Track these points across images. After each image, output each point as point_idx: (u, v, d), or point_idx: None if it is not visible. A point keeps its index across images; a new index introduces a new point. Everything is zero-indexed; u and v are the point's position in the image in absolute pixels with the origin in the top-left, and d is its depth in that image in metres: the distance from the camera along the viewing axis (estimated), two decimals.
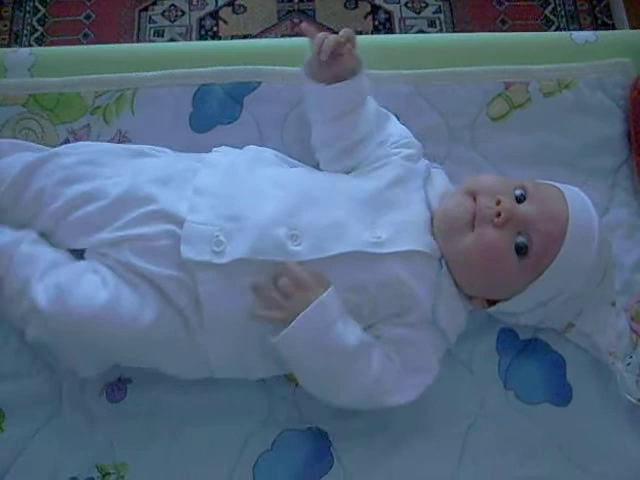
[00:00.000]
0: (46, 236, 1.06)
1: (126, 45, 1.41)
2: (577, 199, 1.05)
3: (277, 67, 1.22)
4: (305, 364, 0.98)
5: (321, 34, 1.07)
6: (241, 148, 1.16)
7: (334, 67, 1.07)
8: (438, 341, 1.05)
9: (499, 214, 1.00)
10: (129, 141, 1.20)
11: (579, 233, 1.02)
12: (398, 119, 1.19)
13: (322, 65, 1.07)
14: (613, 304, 1.12)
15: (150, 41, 2.04)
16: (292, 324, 0.94)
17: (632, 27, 2.03)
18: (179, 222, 1.00)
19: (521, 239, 1.01)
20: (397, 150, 1.12)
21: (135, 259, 0.99)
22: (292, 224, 1.01)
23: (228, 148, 1.14)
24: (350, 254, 1.00)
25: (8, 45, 2.02)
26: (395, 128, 1.16)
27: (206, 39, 2.06)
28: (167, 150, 1.15)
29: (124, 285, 0.99)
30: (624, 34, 1.56)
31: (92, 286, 0.98)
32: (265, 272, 0.98)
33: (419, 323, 1.03)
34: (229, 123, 1.21)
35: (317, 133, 1.14)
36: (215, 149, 1.14)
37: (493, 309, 1.08)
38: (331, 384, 0.99)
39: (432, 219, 1.06)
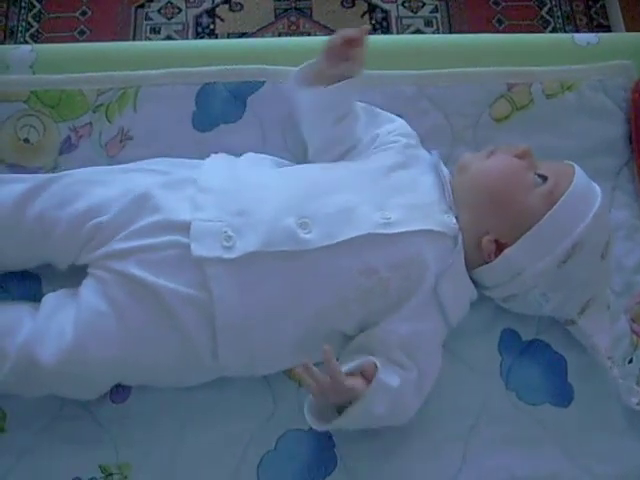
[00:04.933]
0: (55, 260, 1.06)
1: (129, 43, 1.40)
2: (581, 172, 1.09)
3: (281, 67, 1.21)
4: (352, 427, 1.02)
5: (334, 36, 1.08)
6: (244, 147, 1.17)
7: (340, 68, 1.08)
8: (441, 327, 1.06)
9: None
10: (131, 139, 1.19)
11: (583, 185, 1.07)
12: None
13: (330, 65, 1.08)
14: (608, 307, 1.13)
15: (147, 38, 2.03)
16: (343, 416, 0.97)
17: (628, 28, 2.04)
18: (184, 229, 0.99)
19: (540, 172, 1.06)
20: (396, 138, 1.13)
21: (141, 272, 0.98)
22: (301, 212, 1.01)
23: (225, 155, 1.15)
24: (361, 237, 1.01)
25: (3, 41, 2.00)
26: (389, 120, 1.17)
27: (203, 37, 2.06)
28: (165, 160, 1.14)
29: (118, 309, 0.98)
30: (626, 36, 1.57)
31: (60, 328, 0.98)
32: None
33: (424, 306, 1.03)
34: (232, 122, 1.21)
35: (315, 142, 1.15)
36: (213, 155, 1.14)
37: (499, 259, 1.05)
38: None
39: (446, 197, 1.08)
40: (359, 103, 1.17)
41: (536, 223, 1.03)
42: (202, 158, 1.13)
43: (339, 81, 1.09)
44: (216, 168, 1.09)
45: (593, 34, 1.34)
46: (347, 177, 1.07)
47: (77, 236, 1.02)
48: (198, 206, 1.01)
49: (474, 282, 1.10)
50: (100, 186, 1.05)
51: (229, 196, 1.03)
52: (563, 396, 1.11)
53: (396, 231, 1.02)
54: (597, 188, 1.08)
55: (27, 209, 1.03)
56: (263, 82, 1.22)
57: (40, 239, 1.03)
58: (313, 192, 1.04)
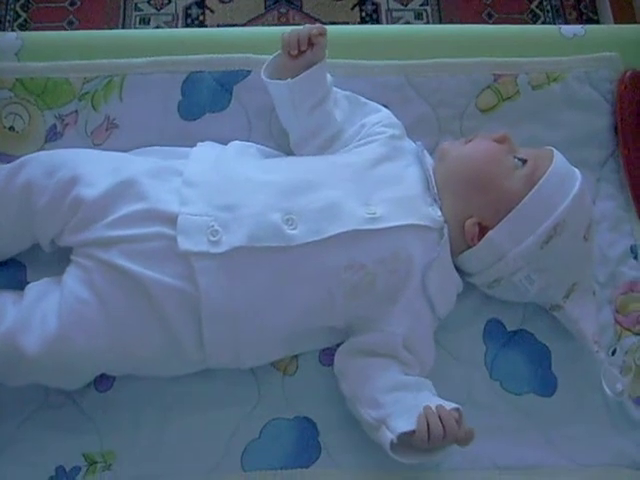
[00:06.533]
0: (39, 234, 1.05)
1: (115, 31, 1.40)
2: (560, 155, 1.10)
3: (267, 56, 1.20)
4: None
5: (289, 32, 1.09)
6: (230, 136, 1.17)
7: (302, 60, 1.09)
8: (432, 320, 1.07)
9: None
10: (117, 128, 1.19)
11: (563, 167, 1.08)
12: (388, 109, 1.19)
13: (291, 59, 1.09)
14: (594, 294, 1.14)
15: (136, 29, 2.02)
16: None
17: (616, 22, 2.04)
18: (171, 220, 0.99)
19: (520, 156, 1.08)
20: (381, 129, 1.13)
21: (126, 262, 0.97)
22: (287, 208, 1.01)
23: (212, 143, 1.15)
24: (347, 233, 1.01)
25: None
26: (375, 110, 1.17)
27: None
28: (152, 149, 1.15)
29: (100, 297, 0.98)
30: (612, 28, 1.57)
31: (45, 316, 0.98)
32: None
33: (415, 301, 1.04)
34: (218, 111, 1.21)
35: (295, 132, 1.15)
36: (200, 143, 1.14)
37: (482, 243, 1.06)
38: None
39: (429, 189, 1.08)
40: (345, 92, 1.18)
41: (517, 205, 1.04)
42: (188, 147, 1.13)
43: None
44: (203, 159, 1.09)
45: (579, 26, 1.33)
46: (333, 171, 1.07)
47: (60, 206, 1.01)
48: (185, 199, 1.01)
49: (458, 269, 1.11)
50: (87, 160, 1.06)
51: (216, 189, 1.03)
52: (547, 386, 1.12)
53: (382, 226, 1.02)
54: (576, 171, 1.09)
55: (16, 178, 1.03)
56: (249, 71, 1.21)
57: (26, 210, 1.02)
58: (299, 187, 1.04)
